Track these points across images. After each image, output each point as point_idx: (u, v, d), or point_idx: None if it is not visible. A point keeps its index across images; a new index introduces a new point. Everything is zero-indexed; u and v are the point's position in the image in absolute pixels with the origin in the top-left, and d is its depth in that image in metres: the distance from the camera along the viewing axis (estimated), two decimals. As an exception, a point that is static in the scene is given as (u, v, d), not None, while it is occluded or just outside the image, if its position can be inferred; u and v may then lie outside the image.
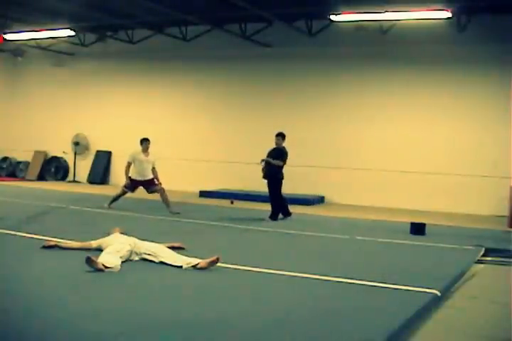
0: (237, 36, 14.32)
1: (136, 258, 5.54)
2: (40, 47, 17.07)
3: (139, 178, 10.52)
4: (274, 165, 9.83)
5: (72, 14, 13.56)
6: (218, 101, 15.79)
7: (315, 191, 14.23)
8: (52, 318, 3.64)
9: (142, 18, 14.34)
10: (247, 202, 12.97)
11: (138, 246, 5.58)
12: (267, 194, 10.12)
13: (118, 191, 10.75)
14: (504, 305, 4.58)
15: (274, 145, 10.10)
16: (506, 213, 11.07)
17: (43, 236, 6.60)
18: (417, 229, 8.66)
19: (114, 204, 10.52)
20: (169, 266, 5.36)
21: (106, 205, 10.47)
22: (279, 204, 10.07)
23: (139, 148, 10.59)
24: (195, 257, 5.66)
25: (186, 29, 15.20)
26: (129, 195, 10.77)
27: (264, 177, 9.98)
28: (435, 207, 13.00)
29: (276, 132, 10.13)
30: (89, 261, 4.97)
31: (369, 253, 6.99)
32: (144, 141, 10.62)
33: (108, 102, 17.36)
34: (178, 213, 10.02)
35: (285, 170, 10.06)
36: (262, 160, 9.95)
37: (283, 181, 10.06)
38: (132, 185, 10.55)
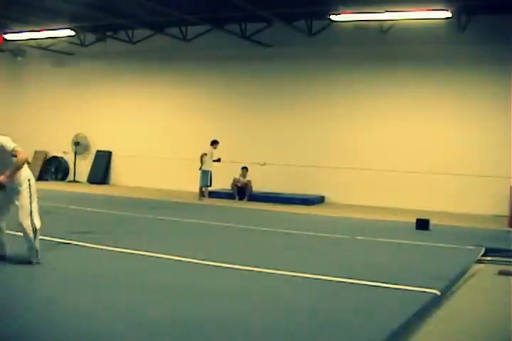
0: (237, 36, 14.32)
1: None
2: (40, 47, 17.06)
3: None
4: None
5: (72, 14, 13.56)
6: (218, 101, 15.79)
7: (315, 191, 14.20)
8: (52, 318, 3.64)
9: (142, 18, 14.33)
10: (247, 202, 12.96)
11: None
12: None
13: None
14: (504, 305, 4.57)
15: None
16: (506, 213, 11.07)
17: (43, 236, 6.58)
18: (422, 224, 9.28)
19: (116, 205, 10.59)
20: (169, 267, 5.36)
21: None
22: None
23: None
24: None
25: (186, 29, 15.19)
26: (128, 195, 10.76)
27: None
28: (435, 206, 12.98)
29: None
30: None
31: (369, 253, 6.99)
32: None
33: (108, 102, 17.36)
34: None
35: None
36: None
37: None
38: None
